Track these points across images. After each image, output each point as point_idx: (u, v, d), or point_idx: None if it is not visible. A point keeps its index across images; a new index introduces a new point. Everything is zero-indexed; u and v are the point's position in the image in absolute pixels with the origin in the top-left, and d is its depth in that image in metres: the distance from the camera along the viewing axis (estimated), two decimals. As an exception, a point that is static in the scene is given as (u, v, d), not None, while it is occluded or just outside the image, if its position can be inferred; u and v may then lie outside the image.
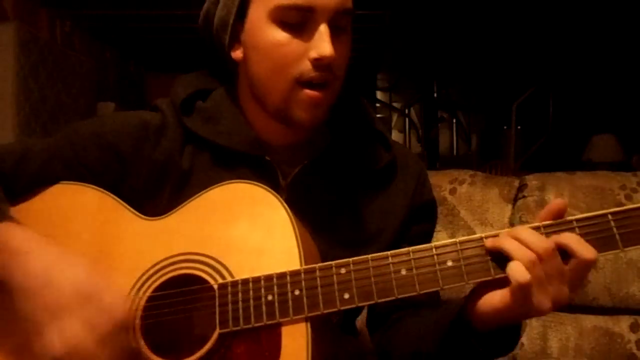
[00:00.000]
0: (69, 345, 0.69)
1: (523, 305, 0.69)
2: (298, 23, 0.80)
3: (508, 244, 0.70)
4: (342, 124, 0.96)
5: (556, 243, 0.70)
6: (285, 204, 0.79)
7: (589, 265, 0.69)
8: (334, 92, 0.85)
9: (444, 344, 0.80)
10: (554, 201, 0.73)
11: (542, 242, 0.69)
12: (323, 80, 0.82)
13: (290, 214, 0.78)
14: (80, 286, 0.72)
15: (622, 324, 1.58)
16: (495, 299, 0.72)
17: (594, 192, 1.61)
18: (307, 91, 0.82)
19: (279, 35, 0.81)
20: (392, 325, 0.94)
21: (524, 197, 1.67)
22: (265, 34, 0.82)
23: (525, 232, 0.71)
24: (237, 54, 0.88)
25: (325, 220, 0.89)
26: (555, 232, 0.71)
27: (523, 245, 0.70)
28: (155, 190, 0.89)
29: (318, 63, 0.80)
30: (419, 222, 0.97)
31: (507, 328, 0.76)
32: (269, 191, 0.80)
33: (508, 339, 0.78)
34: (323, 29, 0.80)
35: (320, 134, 0.94)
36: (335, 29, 0.82)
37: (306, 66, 0.81)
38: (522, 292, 0.68)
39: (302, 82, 0.82)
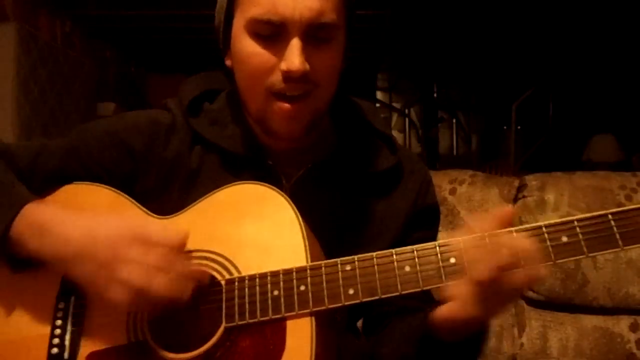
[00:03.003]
0: (135, 288, 0.72)
1: (477, 304, 0.71)
2: (271, 35, 0.81)
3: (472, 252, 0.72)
4: (348, 127, 0.96)
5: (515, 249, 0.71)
6: (292, 204, 0.80)
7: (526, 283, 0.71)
8: (318, 102, 0.86)
9: (420, 350, 0.83)
10: (503, 209, 0.74)
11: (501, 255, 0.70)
12: (296, 92, 0.82)
13: (297, 213, 0.79)
14: (125, 232, 0.74)
15: (621, 324, 1.59)
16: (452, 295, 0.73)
17: (594, 192, 1.62)
18: (280, 103, 0.83)
19: (252, 46, 0.82)
20: (383, 329, 0.95)
21: (524, 197, 1.68)
22: (242, 45, 0.84)
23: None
24: (228, 62, 0.90)
25: (327, 222, 0.89)
26: (556, 232, 0.72)
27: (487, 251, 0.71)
28: (164, 188, 0.90)
29: (288, 75, 0.81)
30: (420, 228, 0.97)
31: (471, 336, 0.78)
32: (276, 191, 0.82)
33: (473, 345, 0.80)
34: (294, 42, 0.80)
35: (325, 137, 0.94)
36: (313, 39, 0.82)
37: (277, 78, 0.82)
38: (478, 289, 0.70)
39: (275, 94, 0.83)
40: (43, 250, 0.77)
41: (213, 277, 0.79)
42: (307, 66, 0.81)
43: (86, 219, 0.77)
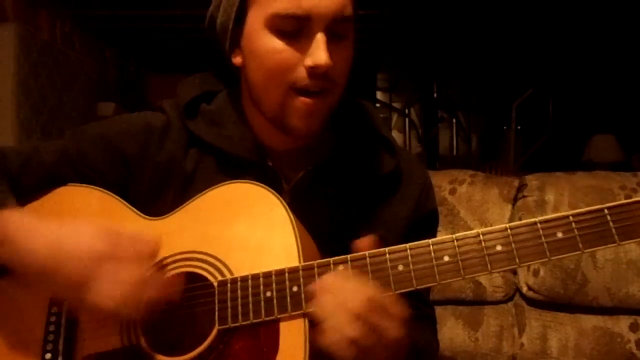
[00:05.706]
0: (112, 302, 0.72)
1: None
2: (294, 31, 0.80)
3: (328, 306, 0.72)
4: (348, 129, 0.95)
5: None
6: (284, 203, 0.80)
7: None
8: (333, 100, 0.85)
9: None
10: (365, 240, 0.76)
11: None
12: (319, 88, 0.81)
13: (290, 212, 0.79)
14: (93, 246, 0.73)
15: (621, 324, 1.58)
16: None
17: (594, 192, 1.61)
18: (302, 98, 0.82)
19: (275, 42, 0.81)
20: None
21: (523, 197, 1.68)
22: (262, 41, 0.82)
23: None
24: (237, 59, 0.88)
25: (327, 225, 0.88)
26: (551, 228, 0.71)
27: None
28: (159, 192, 0.89)
29: (313, 71, 0.80)
30: (421, 234, 0.95)
31: None
32: (268, 190, 0.81)
33: None
34: (320, 37, 0.79)
35: (325, 139, 0.93)
36: (333, 35, 0.81)
37: (301, 74, 0.81)
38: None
39: (297, 90, 0.82)
40: (11, 260, 0.76)
41: (205, 279, 0.78)
42: (331, 62, 0.80)
43: (52, 230, 0.76)
